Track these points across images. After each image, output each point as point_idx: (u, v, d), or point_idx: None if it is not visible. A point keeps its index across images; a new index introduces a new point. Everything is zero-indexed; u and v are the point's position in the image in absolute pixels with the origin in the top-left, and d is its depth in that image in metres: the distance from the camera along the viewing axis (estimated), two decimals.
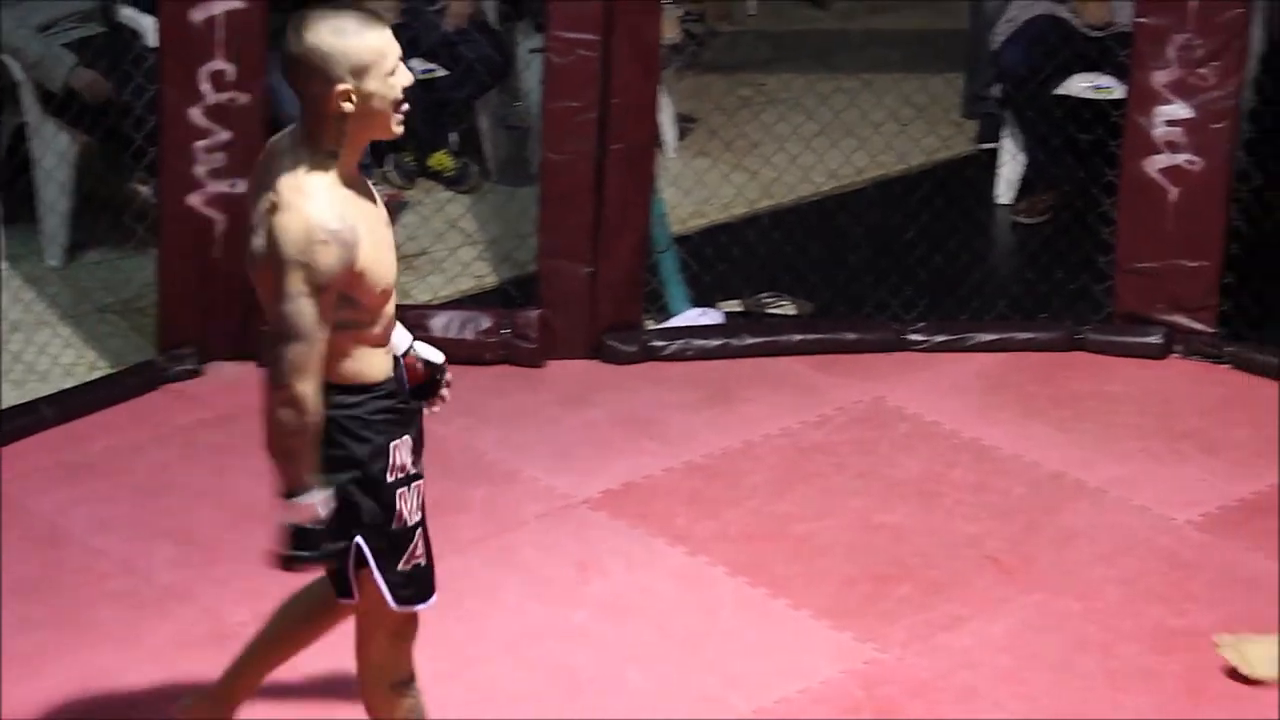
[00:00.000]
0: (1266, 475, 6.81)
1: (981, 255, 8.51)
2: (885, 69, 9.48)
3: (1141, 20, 7.46)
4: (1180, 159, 7.49)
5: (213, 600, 6.08)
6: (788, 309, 7.95)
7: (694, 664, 5.87)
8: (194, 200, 7.24)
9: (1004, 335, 7.67)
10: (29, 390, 7.21)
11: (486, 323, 7.46)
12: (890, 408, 7.21)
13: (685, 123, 9.38)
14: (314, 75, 4.52)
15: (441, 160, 8.82)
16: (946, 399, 7.28)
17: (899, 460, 6.92)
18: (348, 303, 4.56)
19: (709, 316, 7.77)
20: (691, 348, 7.54)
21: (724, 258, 8.13)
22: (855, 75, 9.20)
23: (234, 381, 7.24)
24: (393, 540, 4.74)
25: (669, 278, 7.81)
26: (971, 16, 9.63)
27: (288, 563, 4.68)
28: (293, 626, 5.20)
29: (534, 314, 7.42)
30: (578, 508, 6.57)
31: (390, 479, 4.72)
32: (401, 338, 4.93)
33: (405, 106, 4.70)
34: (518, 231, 8.10)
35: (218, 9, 7.09)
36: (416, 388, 4.96)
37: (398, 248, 7.93)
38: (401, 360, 4.89)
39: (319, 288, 4.45)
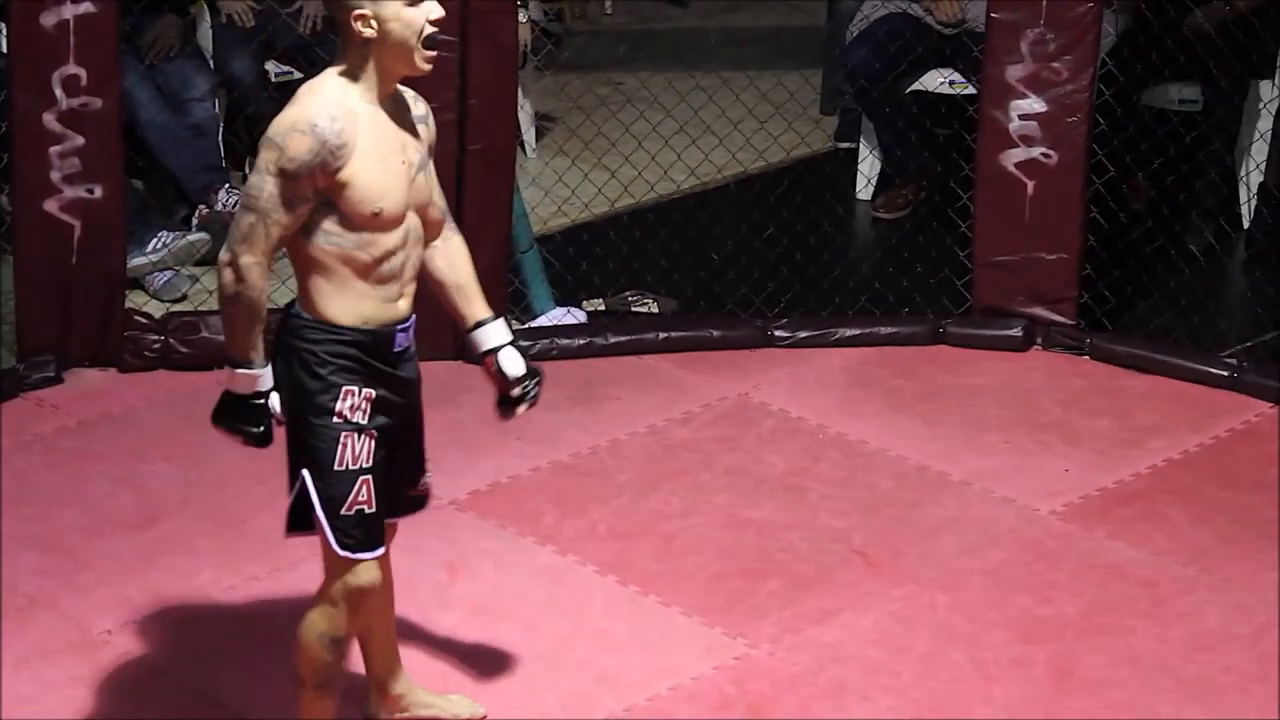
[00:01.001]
0: (1127, 465, 6.88)
1: (843, 251, 8.55)
2: (743, 66, 9.51)
3: (995, 15, 7.52)
4: (1036, 152, 7.55)
5: (76, 608, 6.03)
6: (651, 307, 7.97)
7: (565, 663, 5.86)
8: (50, 206, 7.16)
9: (867, 330, 7.71)
10: None
11: None
12: (756, 404, 7.23)
13: (544, 122, 9.38)
14: None
15: None
16: (812, 394, 7.31)
17: (765, 456, 6.94)
18: (329, 210, 4.65)
19: (573, 316, 7.78)
20: (556, 347, 7.55)
21: (586, 257, 8.14)
22: (713, 73, 9.22)
23: (94, 389, 7.20)
24: (335, 481, 4.81)
25: (532, 278, 7.81)
26: (828, 13, 9.68)
27: (215, 420, 4.91)
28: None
29: None
30: (445, 509, 6.55)
31: (335, 420, 4.79)
32: (492, 335, 5.05)
33: (434, 39, 4.76)
34: None
35: (68, 13, 7.01)
36: (499, 396, 5.08)
37: None
38: (489, 357, 5.07)
39: (285, 173, 4.57)
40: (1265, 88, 8.46)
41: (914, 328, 7.73)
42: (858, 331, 7.70)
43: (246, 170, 8.67)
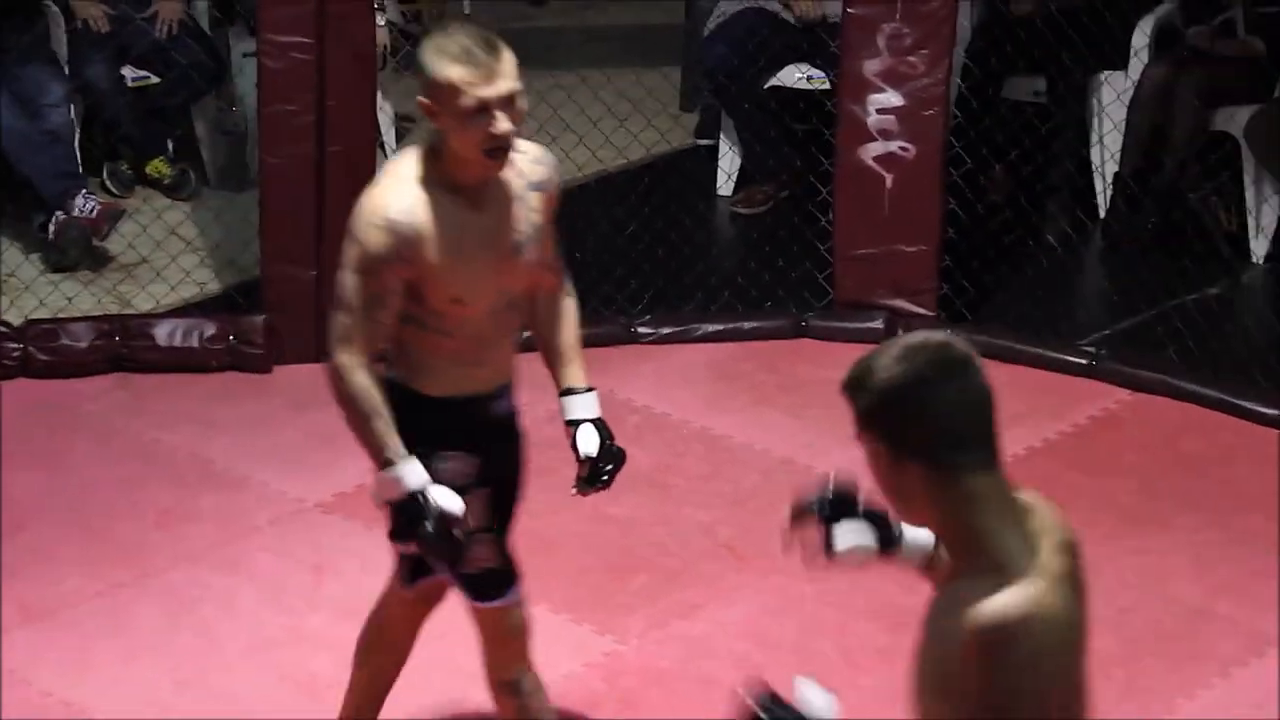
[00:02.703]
0: None
1: (705, 247, 8.57)
2: (601, 65, 9.51)
3: (850, 10, 7.57)
4: (894, 146, 7.60)
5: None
6: None
7: (434, 662, 5.86)
8: None
9: (730, 325, 7.75)
10: None
11: (212, 329, 7.42)
12: (620, 400, 7.24)
13: (404, 123, 9.36)
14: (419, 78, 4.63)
15: (158, 167, 8.73)
16: (676, 390, 7.33)
17: (630, 452, 6.93)
18: (414, 298, 4.63)
19: None
20: None
21: None
22: (572, 72, 9.23)
23: None
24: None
25: None
26: (686, 11, 9.71)
27: (392, 538, 4.82)
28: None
29: (259, 319, 7.40)
30: (310, 511, 6.56)
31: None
32: (576, 407, 5.01)
33: (497, 150, 4.63)
34: (240, 237, 8.03)
35: None
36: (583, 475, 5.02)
37: (114, 257, 7.91)
38: (570, 428, 5.04)
39: (366, 267, 4.57)
40: (1118, 78, 8.52)
41: (776, 322, 7.76)
42: (720, 327, 7.73)
43: (104, 176, 8.64)
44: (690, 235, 8.48)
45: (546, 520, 6.52)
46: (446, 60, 4.57)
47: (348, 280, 4.61)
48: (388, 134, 8.93)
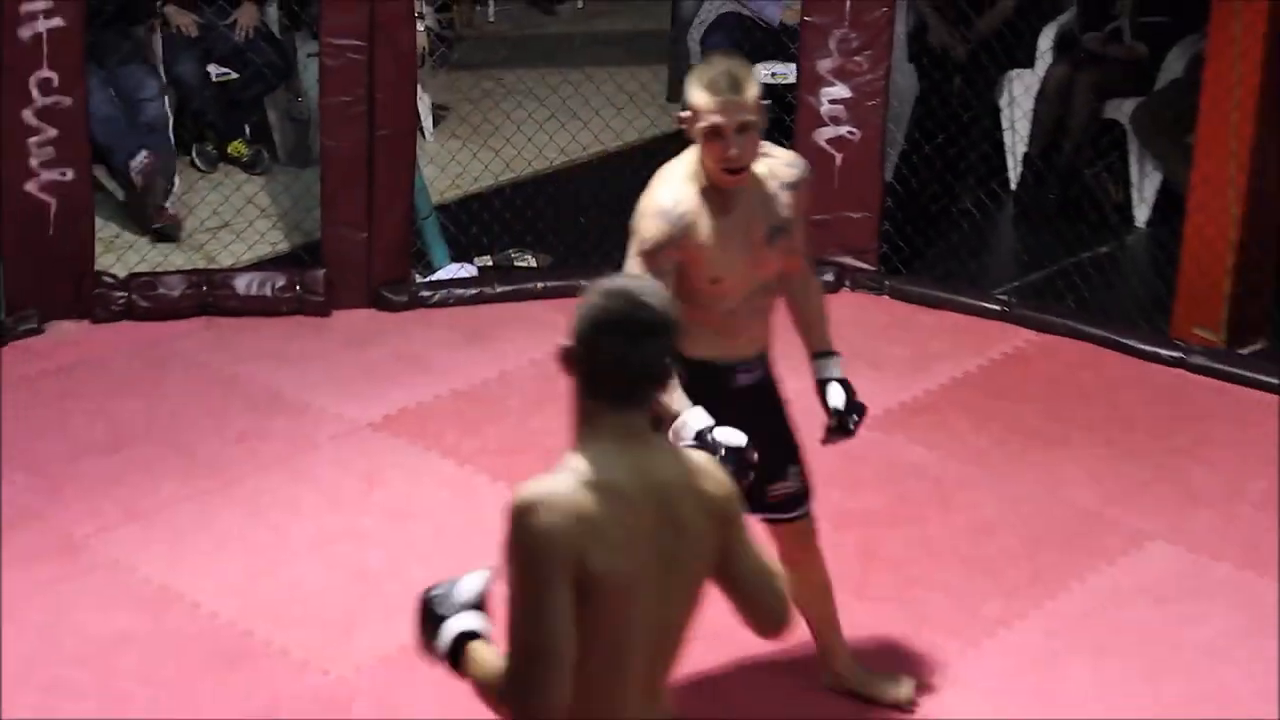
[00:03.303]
0: (920, 383, 6.94)
1: None
2: (602, 64, 9.49)
3: (808, 19, 7.55)
4: (843, 130, 7.59)
5: (60, 519, 6.02)
6: (530, 262, 7.97)
7: (465, 557, 5.81)
8: (30, 187, 7.11)
9: None
10: None
11: (281, 281, 7.41)
12: None
13: (439, 111, 9.35)
14: None
15: (238, 148, 8.74)
16: None
17: None
18: (681, 277, 4.58)
19: (466, 270, 7.76)
20: (452, 296, 7.54)
21: (476, 221, 8.11)
22: (578, 69, 9.21)
23: (71, 338, 7.15)
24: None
25: (431, 239, 7.80)
26: (672, 18, 9.68)
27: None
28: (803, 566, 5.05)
29: (320, 273, 7.38)
30: (363, 431, 6.56)
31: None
32: (824, 368, 4.92)
33: (732, 168, 4.59)
34: (304, 205, 8.03)
35: (41, 27, 6.97)
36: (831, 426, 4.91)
37: (202, 223, 7.89)
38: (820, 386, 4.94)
39: (646, 251, 4.56)
40: (1026, 75, 8.52)
41: None
42: None
43: (193, 155, 8.64)
44: None
45: (558, 439, 6.38)
46: (697, 87, 4.58)
47: (632, 264, 4.59)
48: (426, 120, 8.93)
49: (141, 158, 7.98)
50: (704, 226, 4.61)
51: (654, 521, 3.29)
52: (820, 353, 4.94)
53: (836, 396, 4.88)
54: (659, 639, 3.36)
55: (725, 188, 4.61)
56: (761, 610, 3.49)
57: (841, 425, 4.90)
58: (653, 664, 3.37)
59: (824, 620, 5.13)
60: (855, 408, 4.91)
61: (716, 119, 4.52)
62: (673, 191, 4.63)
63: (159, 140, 8.15)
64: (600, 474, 3.28)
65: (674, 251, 4.58)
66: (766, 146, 4.73)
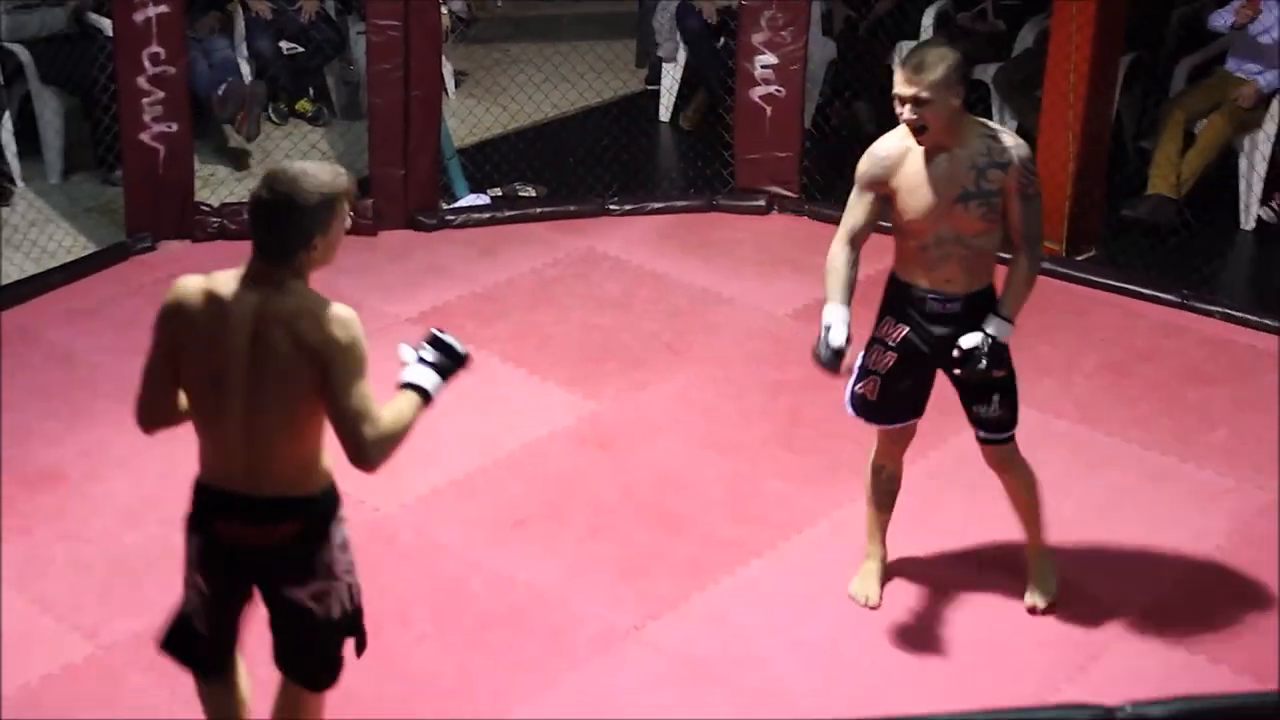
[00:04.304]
0: None
1: (652, 153, 8.52)
2: (587, 38, 9.39)
3: (744, 3, 7.49)
4: (771, 89, 7.53)
5: None
6: (531, 192, 7.91)
7: (482, 418, 5.87)
8: (144, 137, 7.04)
9: (668, 204, 7.68)
10: (43, 264, 7.01)
11: None
12: (599, 252, 7.22)
13: (460, 76, 9.26)
14: None
15: (304, 106, 8.65)
16: (634, 245, 7.30)
17: (606, 285, 6.94)
18: (890, 208, 4.55)
19: (481, 199, 7.71)
20: (471, 220, 7.48)
21: (489, 161, 8.06)
22: (566, 42, 9.12)
23: (177, 254, 7.09)
24: (860, 371, 4.81)
25: (454, 176, 7.74)
26: (639, 2, 9.57)
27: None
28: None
29: (369, 202, 7.31)
30: (402, 324, 6.53)
31: (876, 337, 4.75)
32: (986, 321, 4.58)
33: (912, 132, 4.48)
34: (356, 150, 7.96)
35: (152, 12, 6.90)
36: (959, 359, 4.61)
37: (277, 164, 7.82)
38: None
39: (856, 180, 4.58)
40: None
41: (697, 201, 7.70)
42: (661, 205, 7.66)
43: (269, 112, 8.55)
44: (643, 145, 8.42)
45: (552, 329, 6.54)
46: (900, 62, 4.52)
47: (852, 197, 4.60)
48: (449, 83, 8.84)
49: (222, 88, 7.89)
50: (903, 173, 4.51)
51: (248, 336, 3.50)
52: (994, 312, 4.60)
53: (969, 339, 4.59)
54: (252, 415, 3.53)
55: (920, 146, 4.49)
56: (344, 446, 3.54)
57: (964, 360, 4.62)
58: (251, 430, 3.54)
59: (1027, 523, 4.93)
60: (977, 356, 4.58)
61: (897, 89, 4.45)
62: (888, 142, 4.56)
63: (234, 75, 8.05)
64: (218, 288, 3.57)
65: (877, 186, 4.54)
66: (994, 128, 4.56)
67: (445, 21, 7.72)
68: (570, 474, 5.57)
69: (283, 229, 3.52)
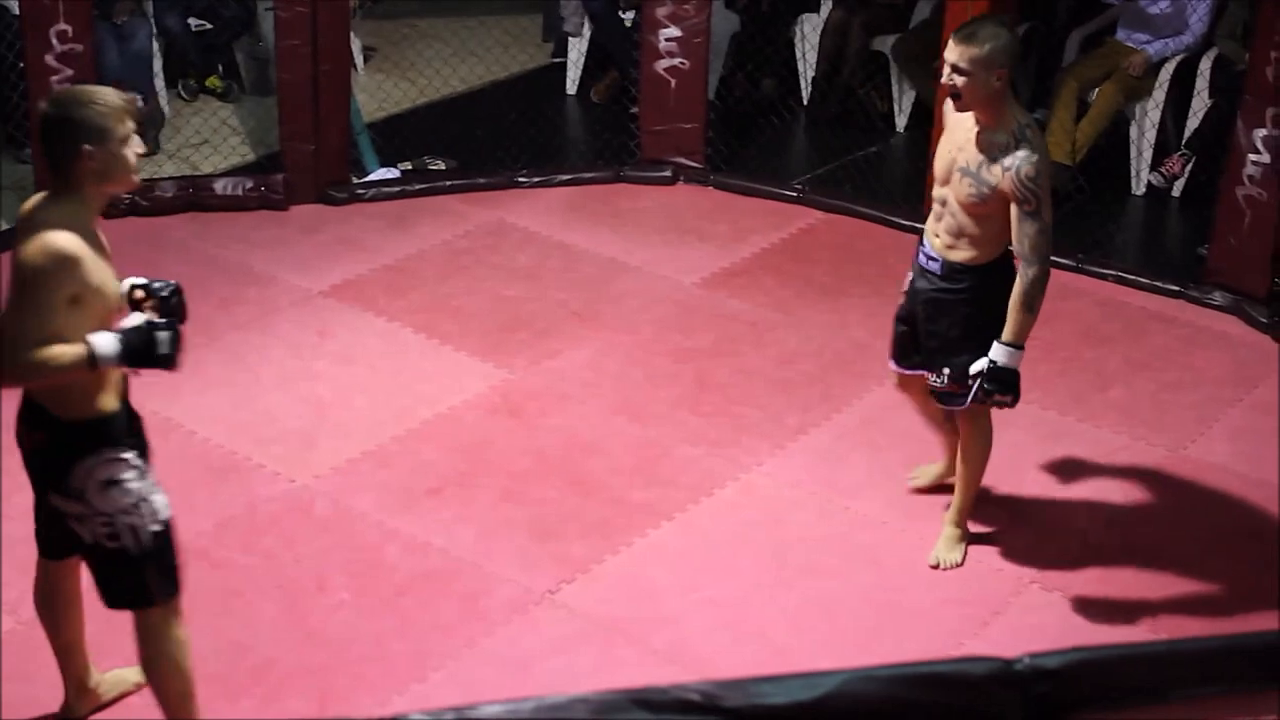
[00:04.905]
0: (738, 252, 6.94)
1: (558, 125, 8.48)
2: (494, 13, 9.35)
3: None
4: (676, 61, 7.51)
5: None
6: (440, 166, 7.86)
7: (395, 389, 5.86)
8: None
9: (575, 175, 7.64)
10: None
11: (249, 183, 7.26)
12: (509, 224, 7.19)
13: (368, 51, 9.18)
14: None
15: (213, 82, 8.52)
16: (542, 216, 7.27)
17: (516, 256, 6.92)
18: None
19: (391, 173, 7.65)
20: (381, 193, 7.41)
21: (398, 135, 8.00)
22: (475, 17, 9.08)
23: None
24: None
25: (364, 149, 7.67)
26: None
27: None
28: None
29: (280, 177, 7.24)
30: (315, 297, 6.48)
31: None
32: (990, 350, 4.62)
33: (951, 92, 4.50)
34: (266, 125, 7.88)
35: None
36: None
37: (187, 140, 7.69)
38: None
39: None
40: (813, 18, 8.47)
41: (604, 173, 7.67)
42: (569, 176, 7.62)
43: (179, 89, 8.43)
44: (550, 119, 8.39)
45: (464, 300, 6.52)
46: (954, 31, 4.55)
47: None
48: (358, 58, 8.76)
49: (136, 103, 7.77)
50: (948, 117, 4.61)
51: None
52: (998, 338, 4.60)
53: (976, 366, 4.62)
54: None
55: (955, 110, 4.55)
56: None
57: (971, 388, 4.66)
58: None
59: (958, 489, 4.97)
60: (978, 377, 4.62)
61: (945, 54, 4.47)
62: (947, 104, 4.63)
63: (146, 76, 7.92)
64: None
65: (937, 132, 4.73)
66: (1026, 133, 4.48)
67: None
68: (483, 442, 5.56)
69: (50, 139, 3.73)
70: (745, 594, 4.85)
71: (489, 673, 4.48)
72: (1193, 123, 7.54)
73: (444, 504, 5.22)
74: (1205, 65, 7.55)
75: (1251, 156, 6.38)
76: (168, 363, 3.77)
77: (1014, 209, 4.48)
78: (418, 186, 7.49)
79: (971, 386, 4.63)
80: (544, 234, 7.10)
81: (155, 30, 8.19)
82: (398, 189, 7.46)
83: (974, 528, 5.09)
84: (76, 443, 3.78)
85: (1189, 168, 7.49)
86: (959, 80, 4.44)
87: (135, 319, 3.83)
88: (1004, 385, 4.59)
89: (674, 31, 7.47)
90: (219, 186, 7.26)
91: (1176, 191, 7.55)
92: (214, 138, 7.94)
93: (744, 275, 6.75)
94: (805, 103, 8.53)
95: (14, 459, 3.98)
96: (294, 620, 4.68)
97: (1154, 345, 6.27)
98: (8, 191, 7.41)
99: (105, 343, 3.67)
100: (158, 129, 7.92)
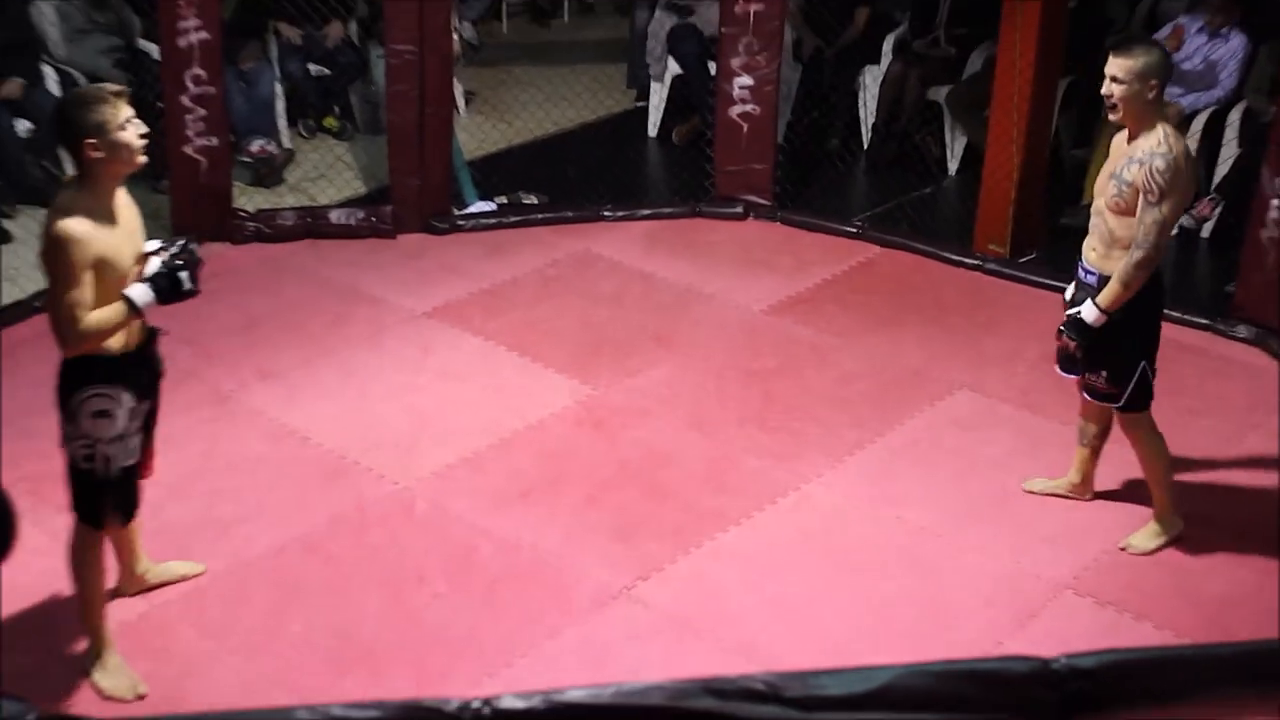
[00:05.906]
0: (802, 282, 6.94)
1: (641, 164, 8.53)
2: (583, 61, 9.42)
3: (724, 30, 7.49)
4: (748, 108, 7.53)
5: (211, 376, 6.01)
6: (533, 200, 7.93)
7: (492, 401, 5.91)
8: (188, 149, 7.06)
9: (655, 210, 7.68)
10: None
11: (361, 214, 7.36)
12: (595, 254, 7.24)
13: (469, 95, 9.26)
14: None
15: (330, 122, 8.64)
16: (625, 247, 7.31)
17: (600, 283, 6.97)
18: None
19: (488, 206, 7.72)
20: (479, 224, 7.49)
21: (496, 171, 8.07)
22: (566, 65, 9.14)
23: (216, 254, 7.06)
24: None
25: (464, 184, 7.75)
26: (630, 29, 9.58)
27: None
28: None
29: (388, 208, 7.34)
30: (419, 317, 6.56)
31: None
32: (1081, 306, 4.67)
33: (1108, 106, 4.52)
34: (377, 161, 7.98)
35: (194, 38, 6.90)
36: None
37: (306, 174, 7.80)
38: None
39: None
40: (874, 70, 8.48)
41: (681, 208, 7.70)
42: (650, 211, 7.67)
43: (299, 128, 8.55)
44: (634, 158, 8.43)
45: (554, 322, 6.57)
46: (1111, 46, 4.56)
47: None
48: (460, 101, 8.85)
49: (259, 143, 7.91)
50: (1115, 137, 4.62)
51: None
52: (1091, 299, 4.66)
53: (1072, 311, 4.69)
54: None
55: (1110, 118, 4.56)
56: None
57: (1060, 334, 4.74)
58: None
59: (1150, 486, 5.00)
60: (1065, 328, 4.69)
61: (1105, 68, 4.48)
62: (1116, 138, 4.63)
63: (269, 118, 8.04)
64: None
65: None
66: (1167, 137, 4.46)
67: (456, 46, 7.74)
68: (568, 451, 5.60)
69: (61, 138, 4.04)
70: (805, 594, 4.85)
71: (571, 660, 4.51)
72: (1222, 170, 7.49)
73: (532, 507, 5.27)
74: (1234, 117, 7.49)
75: (1275, 202, 6.33)
76: (192, 294, 4.08)
77: (1140, 199, 4.47)
78: (512, 218, 7.56)
79: (1127, 386, 4.69)
80: (626, 263, 7.14)
81: (279, 75, 8.33)
82: (494, 220, 7.53)
83: (1013, 537, 5.08)
84: (70, 379, 4.07)
85: (1218, 211, 7.44)
86: (1116, 90, 4.44)
87: (154, 264, 4.10)
88: (1079, 332, 4.66)
89: (747, 80, 7.50)
90: (334, 216, 7.35)
91: (1206, 233, 7.49)
92: (330, 172, 8.05)
93: (807, 303, 6.76)
94: (866, 147, 8.53)
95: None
96: (396, 608, 4.74)
97: (1182, 374, 6.23)
98: (144, 220, 7.51)
99: (139, 292, 3.99)
100: (284, 166, 8.03)
